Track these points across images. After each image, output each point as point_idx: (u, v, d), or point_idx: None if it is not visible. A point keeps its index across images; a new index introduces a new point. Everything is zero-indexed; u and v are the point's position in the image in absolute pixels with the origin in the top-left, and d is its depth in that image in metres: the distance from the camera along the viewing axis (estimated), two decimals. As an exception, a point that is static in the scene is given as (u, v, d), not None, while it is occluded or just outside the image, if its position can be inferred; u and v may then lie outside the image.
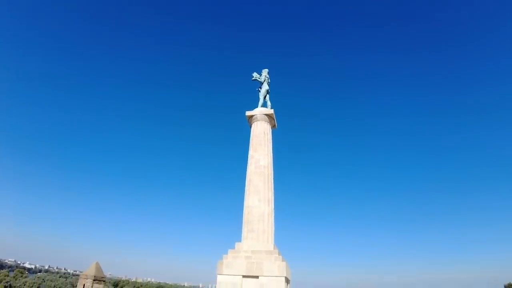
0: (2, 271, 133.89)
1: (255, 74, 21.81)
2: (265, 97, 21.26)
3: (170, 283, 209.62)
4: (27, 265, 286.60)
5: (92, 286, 26.77)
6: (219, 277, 15.63)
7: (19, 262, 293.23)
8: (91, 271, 27.28)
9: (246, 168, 18.97)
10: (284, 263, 15.43)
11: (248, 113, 20.50)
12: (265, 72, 21.92)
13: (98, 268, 27.88)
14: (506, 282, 46.61)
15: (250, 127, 20.50)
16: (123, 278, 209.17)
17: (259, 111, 20.26)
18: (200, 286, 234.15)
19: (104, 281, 28.37)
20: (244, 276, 15.39)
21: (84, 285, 26.71)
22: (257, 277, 15.21)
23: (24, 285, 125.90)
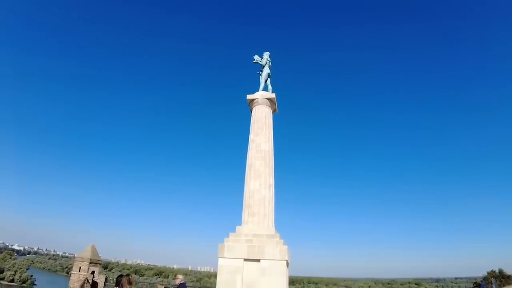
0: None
1: (256, 57, 21.37)
2: (266, 81, 20.92)
3: (159, 265, 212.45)
4: (15, 247, 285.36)
5: (88, 268, 26.78)
6: (220, 261, 15.74)
7: (7, 244, 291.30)
8: (87, 254, 27.20)
9: (246, 152, 18.88)
10: (285, 247, 15.64)
11: (249, 96, 20.21)
12: (266, 55, 21.48)
13: (94, 251, 27.83)
14: (489, 269, 48.73)
15: (251, 112, 20.26)
16: (113, 261, 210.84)
17: (260, 95, 20.00)
18: (189, 268, 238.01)
19: (100, 263, 28.42)
20: (245, 260, 15.54)
21: (80, 267, 26.69)
22: (258, 260, 15.39)
23: (14, 266, 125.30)
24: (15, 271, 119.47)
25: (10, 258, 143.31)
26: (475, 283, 49.01)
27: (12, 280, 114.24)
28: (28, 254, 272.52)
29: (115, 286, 8.49)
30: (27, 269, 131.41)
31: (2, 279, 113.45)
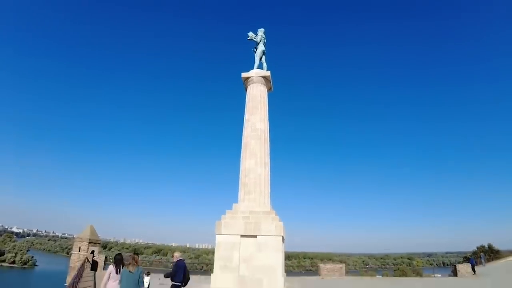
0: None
1: (250, 34, 20.93)
2: (261, 59, 20.59)
3: (158, 244, 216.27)
4: (14, 230, 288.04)
5: (88, 248, 27.23)
6: (218, 237, 16.08)
7: (6, 227, 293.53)
8: (85, 234, 27.59)
9: (242, 131, 18.89)
10: (281, 223, 15.98)
11: (243, 75, 19.97)
12: (261, 31, 21.05)
13: (93, 231, 28.22)
14: (479, 245, 50.25)
15: (246, 90, 20.11)
16: (112, 240, 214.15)
17: (255, 73, 19.76)
18: (187, 245, 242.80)
19: (99, 243, 28.86)
20: (242, 236, 15.89)
21: (80, 247, 27.12)
22: (255, 236, 15.75)
23: (14, 249, 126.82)
24: (16, 253, 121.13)
25: (10, 240, 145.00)
26: (465, 257, 50.57)
27: (13, 262, 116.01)
28: (27, 236, 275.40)
29: (113, 263, 8.67)
30: (27, 251, 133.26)
31: (3, 261, 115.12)
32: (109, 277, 8.34)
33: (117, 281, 8.23)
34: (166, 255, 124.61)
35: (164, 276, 10.43)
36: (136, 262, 7.84)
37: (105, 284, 8.28)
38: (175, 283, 10.31)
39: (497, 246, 49.76)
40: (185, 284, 10.65)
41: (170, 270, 10.86)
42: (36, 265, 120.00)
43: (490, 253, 46.59)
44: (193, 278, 17.86)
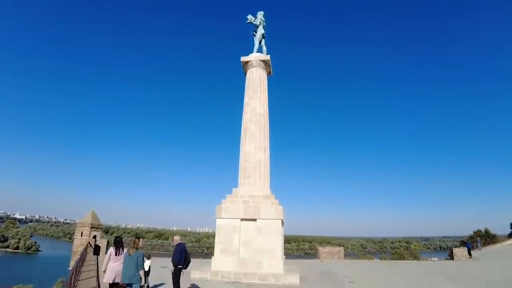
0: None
1: (249, 17, 20.51)
2: (260, 42, 20.26)
3: (159, 228, 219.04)
4: (17, 216, 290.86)
5: (90, 233, 27.57)
6: (218, 221, 16.23)
7: (8, 214, 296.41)
8: (87, 219, 27.89)
9: (242, 116, 18.79)
10: (280, 207, 16.10)
11: (243, 58, 19.70)
12: (260, 14, 20.61)
13: (94, 216, 28.51)
14: (475, 229, 50.81)
15: (245, 75, 19.89)
16: (113, 225, 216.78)
17: (254, 57, 19.49)
18: (188, 229, 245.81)
19: (101, 228, 29.20)
20: (242, 219, 16.05)
21: (82, 232, 27.45)
22: (254, 220, 15.90)
23: (17, 234, 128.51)
24: (19, 239, 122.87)
25: (13, 226, 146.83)
26: (461, 241, 51.36)
27: (17, 248, 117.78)
28: (30, 222, 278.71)
29: (113, 245, 8.90)
30: (30, 237, 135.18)
31: (7, 247, 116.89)
32: (109, 258, 8.69)
33: (117, 262, 8.60)
34: (167, 239, 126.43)
35: (173, 264, 10.48)
36: (136, 245, 8.05)
37: (106, 265, 8.64)
38: (177, 266, 10.47)
39: (493, 230, 50.45)
40: (186, 266, 10.82)
41: (171, 253, 10.99)
42: (40, 250, 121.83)
43: (486, 238, 47.20)
44: (194, 262, 18.12)
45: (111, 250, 8.95)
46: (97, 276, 13.80)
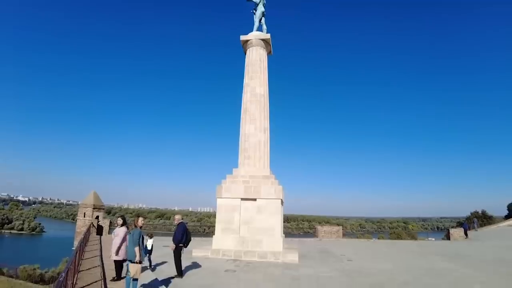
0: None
1: None
2: (260, 20, 19.81)
3: (161, 208, 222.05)
4: (20, 198, 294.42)
5: (92, 214, 27.95)
6: (219, 201, 16.43)
7: (12, 196, 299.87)
8: (89, 200, 28.21)
9: (242, 96, 18.64)
10: (280, 187, 16.25)
11: (242, 37, 19.32)
12: None
13: (96, 196, 28.82)
14: (473, 210, 51.43)
15: (245, 54, 19.57)
16: (115, 206, 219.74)
17: (254, 36, 19.12)
18: (190, 209, 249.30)
19: (103, 209, 29.58)
20: (242, 199, 16.23)
21: (84, 213, 27.83)
22: (254, 199, 16.09)
23: (21, 216, 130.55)
24: (23, 221, 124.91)
25: (17, 208, 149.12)
26: (458, 222, 52.22)
27: (22, 229, 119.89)
28: (33, 204, 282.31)
29: (122, 225, 9.30)
30: (34, 218, 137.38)
31: (12, 228, 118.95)
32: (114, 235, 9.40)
33: (120, 238, 9.02)
34: (169, 219, 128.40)
35: (174, 242, 10.70)
36: (135, 223, 8.28)
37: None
38: (178, 244, 10.69)
39: (490, 212, 51.18)
40: (187, 245, 11.05)
41: (173, 233, 11.19)
42: (44, 232, 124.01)
43: (483, 219, 47.92)
44: (195, 240, 18.46)
45: (117, 228, 9.59)
46: (101, 255, 14.14)
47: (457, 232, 28.83)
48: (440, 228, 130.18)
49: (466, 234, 28.99)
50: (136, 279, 7.70)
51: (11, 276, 35.89)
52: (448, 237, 28.97)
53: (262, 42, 19.15)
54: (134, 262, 7.67)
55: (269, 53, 20.03)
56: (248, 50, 19.27)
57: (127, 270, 7.74)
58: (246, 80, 18.66)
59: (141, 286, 8.49)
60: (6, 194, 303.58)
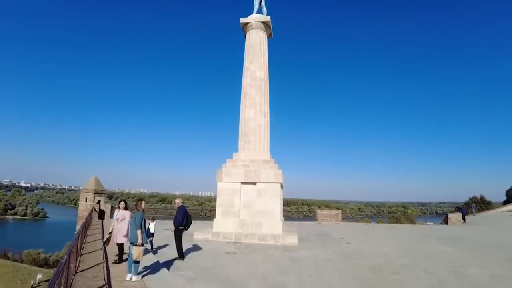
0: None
1: None
2: (260, 3, 19.37)
3: (162, 193, 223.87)
4: (22, 184, 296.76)
5: (94, 198, 28.18)
6: (219, 185, 16.52)
7: (14, 182, 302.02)
8: (91, 185, 28.38)
9: (241, 80, 18.44)
10: (280, 171, 16.29)
11: (242, 20, 18.94)
12: None
13: (97, 181, 28.99)
14: (471, 195, 51.75)
15: (245, 37, 19.24)
16: (117, 190, 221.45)
17: (254, 18, 18.74)
18: (191, 193, 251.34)
19: (104, 193, 29.79)
20: (242, 183, 16.32)
21: (86, 198, 28.06)
22: (254, 183, 16.17)
23: (24, 202, 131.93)
24: (26, 206, 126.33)
25: (19, 194, 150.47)
26: (457, 207, 52.58)
27: (25, 215, 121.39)
28: (35, 189, 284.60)
29: (125, 209, 9.33)
30: (37, 204, 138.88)
31: (15, 214, 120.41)
32: (116, 218, 9.30)
33: (127, 221, 9.04)
34: (171, 203, 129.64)
35: (174, 225, 10.80)
36: (137, 207, 8.30)
37: (112, 225, 9.45)
38: (178, 227, 10.80)
39: (489, 198, 51.58)
40: (187, 227, 11.17)
41: (174, 216, 11.28)
42: (47, 217, 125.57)
43: (481, 204, 48.33)
44: (196, 223, 18.68)
45: (116, 211, 9.58)
46: (103, 239, 14.31)
47: (455, 217, 29.09)
48: (439, 213, 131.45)
49: (464, 219, 29.26)
50: (138, 262, 7.81)
51: (16, 260, 36.63)
52: (446, 221, 29.24)
53: (262, 24, 18.79)
54: (136, 245, 7.74)
55: (269, 36, 19.69)
56: (248, 33, 18.93)
57: (130, 253, 7.83)
58: (246, 63, 18.41)
59: (143, 268, 8.62)
60: (8, 180, 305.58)
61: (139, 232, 7.80)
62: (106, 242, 9.69)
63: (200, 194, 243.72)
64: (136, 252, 7.65)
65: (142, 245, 7.86)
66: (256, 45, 18.40)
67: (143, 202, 8.74)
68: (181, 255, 10.72)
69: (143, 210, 8.38)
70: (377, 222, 35.23)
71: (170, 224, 12.57)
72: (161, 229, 17.12)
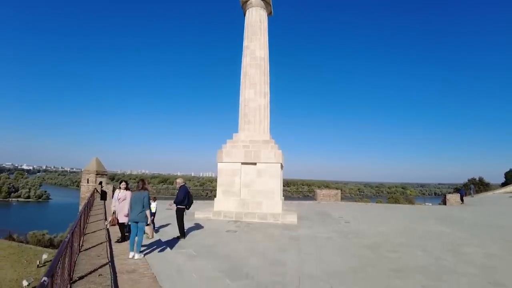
0: (2, 174, 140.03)
1: None
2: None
3: (164, 174, 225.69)
4: (24, 167, 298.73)
5: (95, 179, 28.40)
6: (219, 165, 16.59)
7: (16, 165, 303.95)
8: (92, 166, 28.54)
9: (241, 61, 18.12)
10: (279, 151, 16.30)
11: (241, -3, 18.44)
12: None
13: (99, 162, 29.14)
14: (470, 177, 52.07)
15: (244, 15, 18.75)
16: (119, 172, 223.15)
17: (253, -5, 18.23)
18: (192, 174, 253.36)
19: (106, 174, 30.00)
20: (242, 163, 16.38)
21: (88, 179, 28.27)
22: (255, 164, 16.22)
23: (27, 185, 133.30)
24: (29, 189, 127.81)
25: (22, 177, 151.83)
26: (455, 188, 53.03)
27: (28, 197, 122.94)
28: (38, 172, 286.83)
29: (126, 189, 9.41)
30: (40, 186, 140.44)
31: (19, 196, 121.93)
32: (117, 198, 9.42)
33: (122, 201, 9.10)
34: (172, 184, 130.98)
35: (175, 203, 10.92)
36: (143, 185, 8.25)
37: (113, 205, 9.57)
38: (180, 206, 10.91)
39: (488, 179, 51.98)
40: (189, 207, 11.28)
41: (175, 196, 11.38)
42: (50, 199, 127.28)
43: (480, 186, 48.75)
44: (198, 203, 18.87)
45: (117, 191, 9.70)
46: (105, 219, 14.51)
47: (453, 198, 29.37)
48: (437, 194, 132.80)
49: (462, 200, 29.56)
50: (141, 240, 7.94)
51: (21, 242, 37.39)
52: (444, 202, 29.55)
53: (262, 2, 18.24)
54: (148, 224, 7.94)
55: (269, 14, 19.19)
56: (247, 11, 18.43)
57: (136, 232, 7.93)
58: (245, 42, 18.03)
59: (145, 246, 8.76)
60: (10, 163, 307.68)
61: (148, 212, 7.93)
62: (112, 222, 9.84)
63: (201, 175, 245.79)
64: (149, 231, 7.87)
65: (148, 224, 8.08)
66: (256, 23, 17.95)
67: (147, 181, 8.77)
68: (183, 233, 10.88)
69: (148, 190, 8.44)
70: (376, 202, 35.66)
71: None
72: (163, 209, 17.32)
